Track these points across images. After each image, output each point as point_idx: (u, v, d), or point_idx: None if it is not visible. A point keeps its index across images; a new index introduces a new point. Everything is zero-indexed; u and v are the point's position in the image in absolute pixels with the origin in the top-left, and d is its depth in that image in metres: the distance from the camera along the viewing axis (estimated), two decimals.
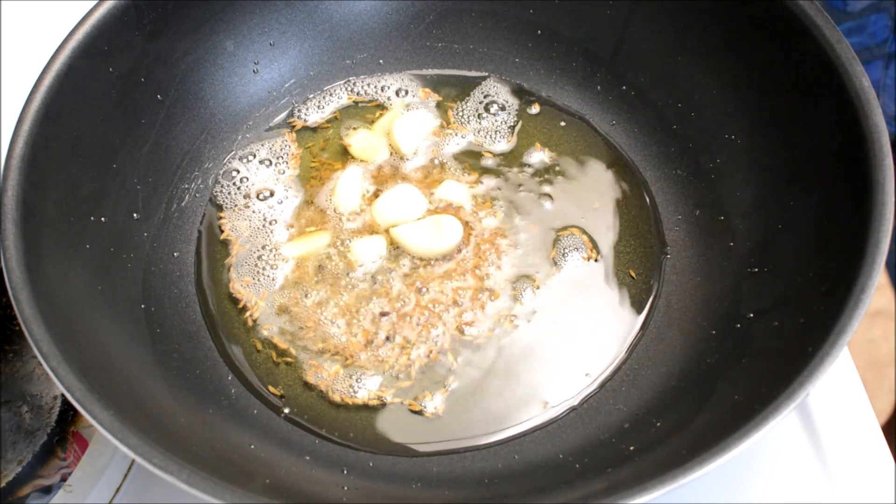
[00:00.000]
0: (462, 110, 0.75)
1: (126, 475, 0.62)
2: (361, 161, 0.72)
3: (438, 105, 0.75)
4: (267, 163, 0.72)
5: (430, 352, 0.63)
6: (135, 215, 0.65)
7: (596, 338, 0.64)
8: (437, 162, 0.72)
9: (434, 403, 0.61)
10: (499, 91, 0.76)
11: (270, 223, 0.69)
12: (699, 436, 0.50)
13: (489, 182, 0.71)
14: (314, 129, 0.74)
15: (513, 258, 0.67)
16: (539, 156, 0.72)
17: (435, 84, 0.76)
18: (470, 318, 0.64)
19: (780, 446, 0.63)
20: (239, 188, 0.71)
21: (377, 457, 0.59)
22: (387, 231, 0.68)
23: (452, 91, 0.76)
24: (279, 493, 0.52)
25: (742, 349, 0.57)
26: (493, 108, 0.75)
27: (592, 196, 0.70)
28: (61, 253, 0.56)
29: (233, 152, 0.73)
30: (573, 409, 0.61)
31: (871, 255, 0.50)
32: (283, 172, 0.72)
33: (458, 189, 0.70)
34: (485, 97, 0.75)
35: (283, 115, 0.75)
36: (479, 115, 0.74)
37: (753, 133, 0.64)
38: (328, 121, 0.75)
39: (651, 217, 0.69)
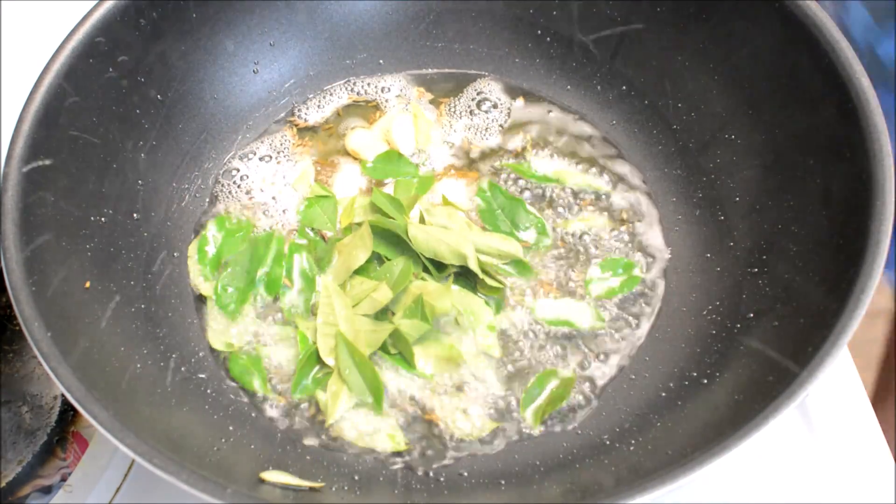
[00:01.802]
0: (458, 107, 0.75)
1: (126, 475, 0.62)
2: (360, 160, 0.72)
3: (432, 102, 0.75)
4: (267, 159, 0.72)
5: None
6: (135, 215, 0.65)
7: (596, 337, 0.63)
8: (435, 159, 0.72)
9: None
10: (493, 89, 0.76)
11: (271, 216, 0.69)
12: (699, 436, 0.50)
13: (487, 180, 0.71)
14: (314, 129, 0.74)
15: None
16: (537, 155, 0.72)
17: (435, 84, 0.76)
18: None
19: (780, 446, 0.63)
20: (239, 186, 0.71)
21: (378, 458, 0.59)
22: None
23: (451, 90, 0.76)
24: (280, 493, 0.52)
25: (742, 349, 0.57)
26: (486, 106, 0.75)
27: (592, 196, 0.70)
28: (61, 253, 0.56)
29: (232, 152, 0.73)
30: (573, 409, 0.61)
31: (871, 255, 0.50)
32: (282, 163, 0.72)
33: (456, 187, 0.70)
34: (478, 94, 0.75)
35: (283, 115, 0.75)
36: (472, 113, 0.74)
37: (753, 133, 0.64)
38: (328, 120, 0.75)
39: (651, 217, 0.69)
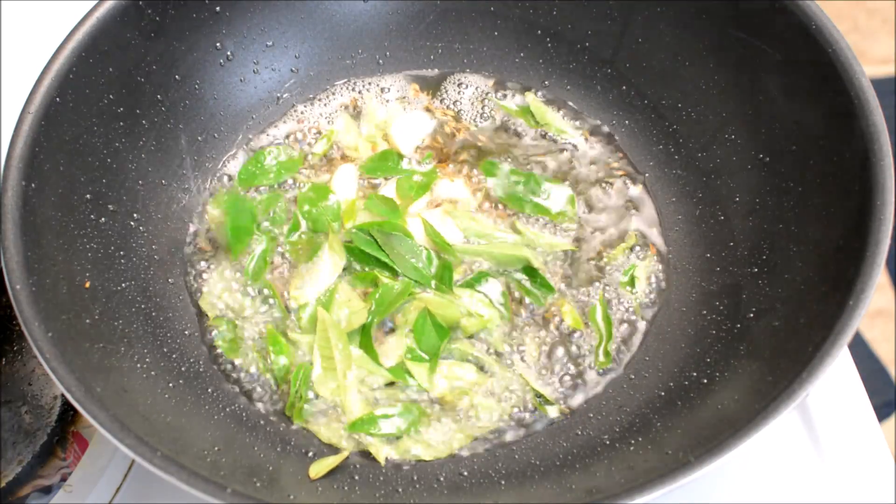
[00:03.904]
0: (456, 106, 0.75)
1: (126, 475, 0.62)
2: (358, 160, 0.72)
3: (431, 102, 0.75)
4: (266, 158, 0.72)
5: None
6: (135, 215, 0.65)
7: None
8: (434, 157, 0.72)
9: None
10: (493, 87, 0.76)
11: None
12: (699, 436, 0.50)
13: (486, 177, 0.71)
14: (313, 128, 0.74)
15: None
16: (538, 155, 0.72)
17: (435, 84, 0.76)
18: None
19: (780, 446, 0.63)
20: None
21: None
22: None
23: (449, 89, 0.76)
24: (280, 492, 0.52)
25: (742, 349, 0.57)
26: (488, 104, 0.75)
27: (592, 197, 0.70)
28: (61, 253, 0.56)
29: (232, 151, 0.73)
30: (574, 409, 0.61)
31: (871, 255, 0.50)
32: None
33: (456, 184, 0.70)
34: (478, 91, 0.75)
35: (283, 115, 0.75)
36: (467, 111, 0.75)
37: (753, 133, 0.64)
38: (327, 121, 0.75)
39: (651, 217, 0.69)
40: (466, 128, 0.74)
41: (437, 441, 0.59)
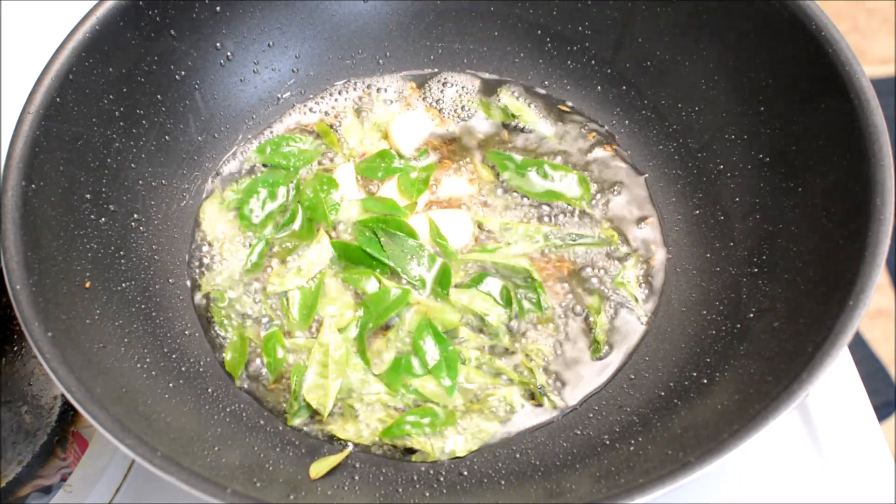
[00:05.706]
0: (439, 104, 0.75)
1: (126, 475, 0.62)
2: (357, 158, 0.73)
3: (428, 101, 0.75)
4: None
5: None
6: (135, 215, 0.65)
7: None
8: (435, 157, 0.72)
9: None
10: (479, 86, 0.76)
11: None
12: (699, 436, 0.50)
13: (487, 176, 0.71)
14: (312, 129, 0.74)
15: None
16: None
17: (433, 83, 0.76)
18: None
19: (780, 446, 0.63)
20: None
21: (380, 458, 0.59)
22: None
23: (433, 87, 0.76)
24: (280, 492, 0.52)
25: (742, 349, 0.57)
26: (471, 102, 0.75)
27: (592, 197, 0.70)
28: (61, 253, 0.56)
29: (233, 150, 0.73)
30: (573, 409, 0.61)
31: (871, 255, 0.50)
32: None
33: (458, 183, 0.70)
34: (463, 90, 0.75)
35: (283, 115, 0.75)
36: (449, 108, 0.75)
37: (753, 133, 0.64)
38: (326, 120, 0.75)
39: (651, 217, 0.69)
40: (447, 125, 0.74)
41: (469, 434, 0.59)
